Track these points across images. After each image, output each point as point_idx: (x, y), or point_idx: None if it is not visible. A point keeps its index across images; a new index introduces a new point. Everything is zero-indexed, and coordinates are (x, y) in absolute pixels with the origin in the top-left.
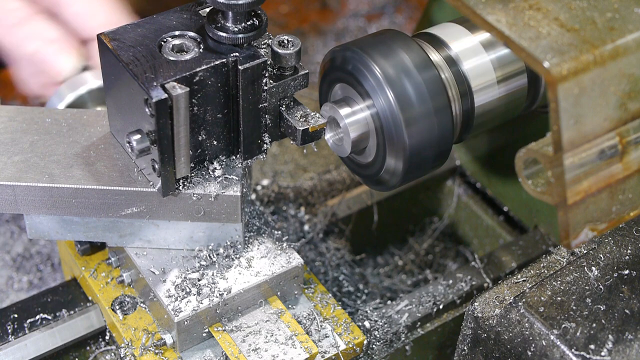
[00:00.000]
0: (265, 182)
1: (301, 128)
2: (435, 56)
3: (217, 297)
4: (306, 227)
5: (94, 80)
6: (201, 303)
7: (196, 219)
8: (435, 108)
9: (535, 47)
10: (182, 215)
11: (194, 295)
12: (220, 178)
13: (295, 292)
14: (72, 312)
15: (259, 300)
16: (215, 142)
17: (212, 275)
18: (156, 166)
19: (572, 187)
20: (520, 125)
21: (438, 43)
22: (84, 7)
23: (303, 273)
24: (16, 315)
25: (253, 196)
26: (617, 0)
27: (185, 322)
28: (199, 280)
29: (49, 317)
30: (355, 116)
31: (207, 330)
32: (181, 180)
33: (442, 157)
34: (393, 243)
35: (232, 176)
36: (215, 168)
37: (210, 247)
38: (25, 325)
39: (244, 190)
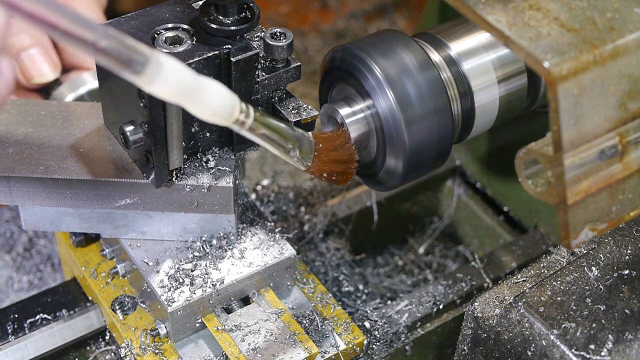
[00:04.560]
0: (265, 182)
1: (293, 120)
2: (435, 56)
3: (210, 287)
4: (306, 227)
5: (93, 81)
6: (194, 293)
7: (189, 210)
8: (435, 108)
9: (535, 47)
10: (175, 206)
11: (187, 285)
12: (213, 169)
13: (288, 284)
14: (72, 312)
15: (251, 291)
16: (208, 134)
17: (205, 266)
18: (149, 157)
19: (572, 187)
20: (520, 125)
21: (438, 43)
22: None
23: (296, 264)
24: (16, 315)
25: (253, 196)
26: (617, 0)
27: (179, 313)
28: (192, 271)
29: (49, 317)
30: (355, 116)
31: (200, 320)
32: (174, 172)
33: (442, 157)
34: (393, 243)
35: (224, 167)
36: (208, 159)
37: (203, 238)
38: (25, 325)
39: (237, 181)
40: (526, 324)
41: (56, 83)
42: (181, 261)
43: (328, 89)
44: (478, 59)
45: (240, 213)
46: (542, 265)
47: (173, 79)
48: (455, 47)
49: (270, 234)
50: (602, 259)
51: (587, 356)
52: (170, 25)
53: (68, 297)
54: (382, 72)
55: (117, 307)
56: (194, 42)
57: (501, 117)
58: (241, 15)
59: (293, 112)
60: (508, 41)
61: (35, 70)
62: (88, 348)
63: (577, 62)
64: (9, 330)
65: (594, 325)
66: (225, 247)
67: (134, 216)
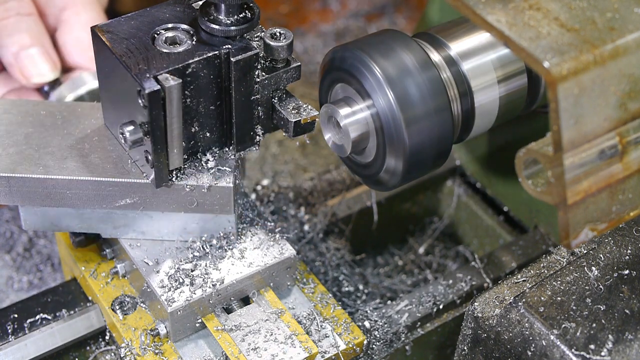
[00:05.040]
0: (265, 182)
1: (293, 120)
2: (435, 56)
3: (210, 287)
4: (306, 227)
5: (93, 81)
6: (194, 293)
7: (189, 210)
8: (435, 108)
9: (535, 47)
10: (175, 206)
11: (187, 285)
12: (213, 169)
13: (288, 284)
14: (72, 312)
15: (251, 291)
16: (208, 134)
17: (205, 266)
18: (149, 157)
19: (572, 187)
20: (520, 125)
21: (438, 43)
22: (85, 36)
23: (296, 264)
24: (16, 315)
25: (253, 196)
26: (617, 0)
27: (179, 312)
28: (192, 271)
29: (49, 317)
30: (355, 116)
31: (200, 320)
32: (174, 172)
33: (442, 157)
34: (393, 243)
35: (224, 168)
36: (208, 159)
37: (203, 238)
38: (25, 325)
39: (237, 181)
40: (526, 324)
41: (56, 83)
42: (181, 261)
43: (328, 89)
44: (478, 59)
45: (240, 213)
46: (542, 265)
47: None
48: (455, 47)
49: (270, 234)
50: (602, 259)
51: (587, 356)
52: (170, 25)
53: (68, 297)
54: (382, 72)
55: (117, 307)
56: (194, 42)
57: (501, 117)
58: (241, 16)
59: (293, 112)
60: (508, 41)
61: (34, 69)
62: (88, 348)
63: (577, 62)
64: (9, 330)
65: (594, 325)
66: (225, 247)
67: (134, 216)
